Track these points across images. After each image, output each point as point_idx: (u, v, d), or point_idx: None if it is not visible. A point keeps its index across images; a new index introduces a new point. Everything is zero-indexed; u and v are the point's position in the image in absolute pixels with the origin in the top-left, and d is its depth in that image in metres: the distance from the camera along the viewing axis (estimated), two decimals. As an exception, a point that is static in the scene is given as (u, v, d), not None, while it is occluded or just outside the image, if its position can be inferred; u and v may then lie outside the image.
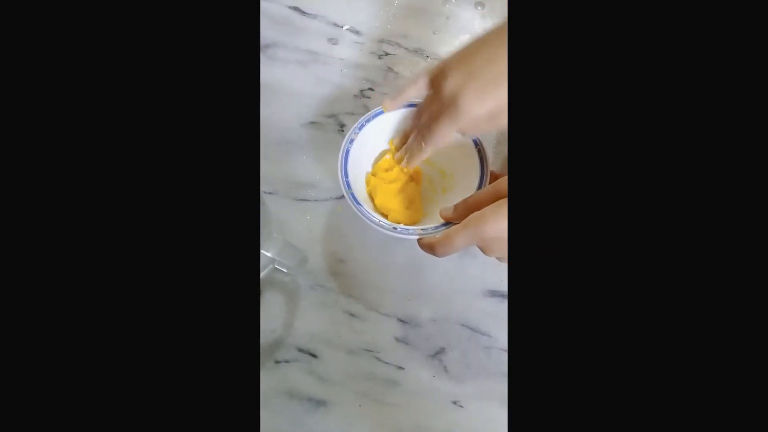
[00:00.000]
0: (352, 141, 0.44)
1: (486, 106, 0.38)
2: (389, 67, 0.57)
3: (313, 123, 0.54)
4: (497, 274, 0.47)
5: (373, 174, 0.47)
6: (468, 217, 0.35)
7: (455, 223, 0.37)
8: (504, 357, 0.45)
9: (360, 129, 0.45)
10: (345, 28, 0.59)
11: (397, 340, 0.45)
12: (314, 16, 0.59)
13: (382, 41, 0.58)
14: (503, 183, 0.36)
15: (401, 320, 0.46)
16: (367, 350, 0.45)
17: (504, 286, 0.47)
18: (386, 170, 0.46)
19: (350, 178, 0.43)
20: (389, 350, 0.45)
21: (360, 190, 0.44)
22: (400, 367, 0.44)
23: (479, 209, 0.35)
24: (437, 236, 0.37)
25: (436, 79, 0.41)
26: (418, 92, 0.43)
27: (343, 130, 0.54)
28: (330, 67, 0.57)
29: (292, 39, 0.58)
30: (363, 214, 0.41)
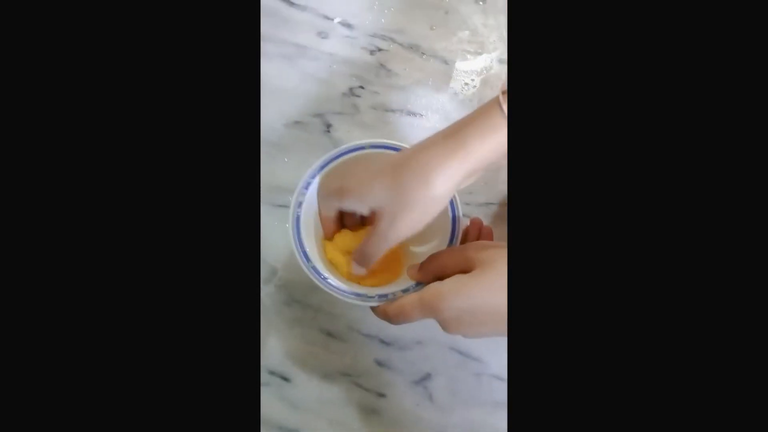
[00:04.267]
0: (300, 204, 0.38)
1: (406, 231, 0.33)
2: (382, 64, 0.53)
3: (297, 123, 0.50)
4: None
5: (329, 239, 0.40)
6: (425, 289, 0.33)
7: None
8: (496, 385, 0.41)
9: (307, 188, 0.39)
10: (336, 21, 0.55)
11: (379, 363, 0.42)
12: (303, 8, 0.55)
13: (374, 36, 0.54)
14: (472, 251, 0.33)
15: (384, 341, 0.42)
16: (345, 374, 0.41)
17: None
18: (346, 252, 0.39)
19: (308, 249, 0.37)
20: (369, 375, 0.41)
21: (318, 257, 0.38)
22: (381, 394, 0.41)
23: (442, 274, 0.33)
24: (394, 303, 0.34)
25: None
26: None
27: (329, 131, 0.50)
28: (318, 63, 0.53)
29: (278, 31, 0.54)
30: (331, 289, 0.35)
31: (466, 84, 0.52)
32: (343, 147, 0.40)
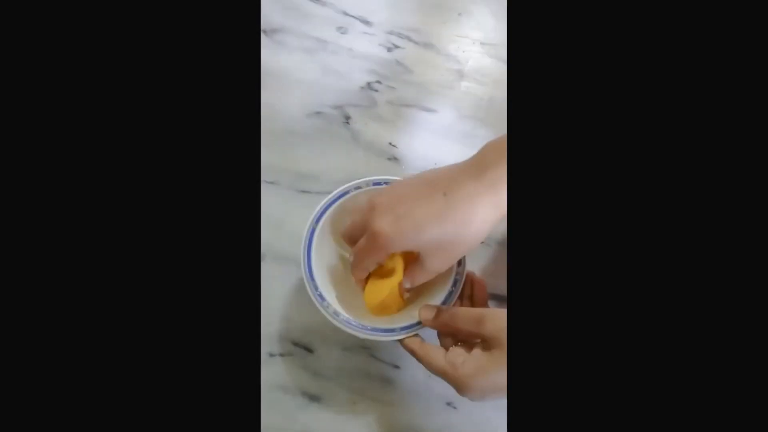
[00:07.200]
0: (313, 231, 0.41)
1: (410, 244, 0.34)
2: (398, 61, 0.56)
3: (318, 113, 0.53)
4: (500, 279, 0.47)
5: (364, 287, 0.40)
6: (448, 363, 0.34)
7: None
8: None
9: (317, 221, 0.41)
10: (355, 17, 0.58)
11: (394, 338, 0.45)
12: (324, 3, 0.58)
13: (391, 33, 0.57)
14: (488, 327, 0.34)
15: (399, 319, 0.45)
16: (364, 347, 0.44)
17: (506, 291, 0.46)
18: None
19: (316, 276, 0.39)
20: (386, 349, 0.44)
21: (327, 278, 0.41)
22: (396, 366, 0.44)
23: (456, 330, 0.36)
24: (419, 343, 0.37)
25: (366, 214, 0.36)
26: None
27: (348, 123, 0.53)
28: (337, 57, 0.56)
29: (299, 25, 0.57)
30: (334, 318, 0.38)
31: (478, 83, 0.55)
32: (337, 191, 0.41)
